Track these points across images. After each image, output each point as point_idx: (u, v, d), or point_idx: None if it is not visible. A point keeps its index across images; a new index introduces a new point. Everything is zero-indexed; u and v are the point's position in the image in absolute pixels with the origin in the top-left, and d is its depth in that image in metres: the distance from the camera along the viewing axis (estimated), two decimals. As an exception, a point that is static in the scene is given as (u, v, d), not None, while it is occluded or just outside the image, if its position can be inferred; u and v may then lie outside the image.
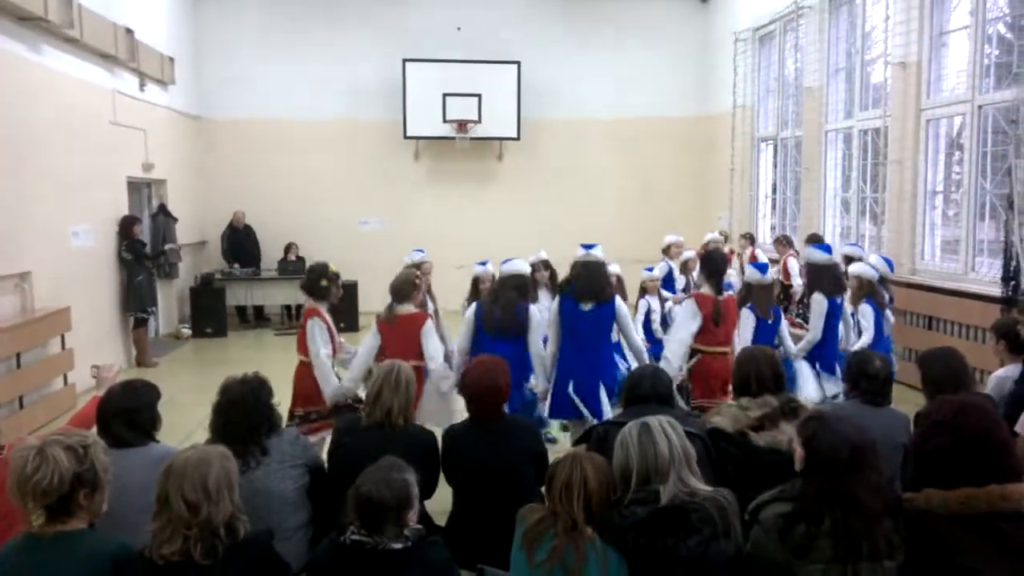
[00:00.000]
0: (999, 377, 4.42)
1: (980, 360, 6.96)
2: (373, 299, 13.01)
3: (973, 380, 3.93)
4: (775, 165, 12.46)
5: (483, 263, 6.92)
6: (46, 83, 8.29)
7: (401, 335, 5.21)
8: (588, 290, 5.14)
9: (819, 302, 5.84)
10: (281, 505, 3.34)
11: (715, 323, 5.37)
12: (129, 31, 10.10)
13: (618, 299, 5.34)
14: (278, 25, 13.88)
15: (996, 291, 7.09)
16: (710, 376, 5.38)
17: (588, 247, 5.42)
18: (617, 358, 5.86)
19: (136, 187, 11.13)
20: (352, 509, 2.60)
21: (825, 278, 5.95)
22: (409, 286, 5.44)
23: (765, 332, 5.65)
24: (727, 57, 13.17)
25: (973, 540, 2.47)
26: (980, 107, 7.69)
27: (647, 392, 3.57)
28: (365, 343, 5.29)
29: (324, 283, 5.33)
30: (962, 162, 8.10)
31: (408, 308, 5.36)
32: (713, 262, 5.62)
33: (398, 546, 2.54)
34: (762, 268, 5.90)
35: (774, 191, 12.59)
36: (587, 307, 5.14)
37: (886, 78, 9.03)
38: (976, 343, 7.32)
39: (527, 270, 5.76)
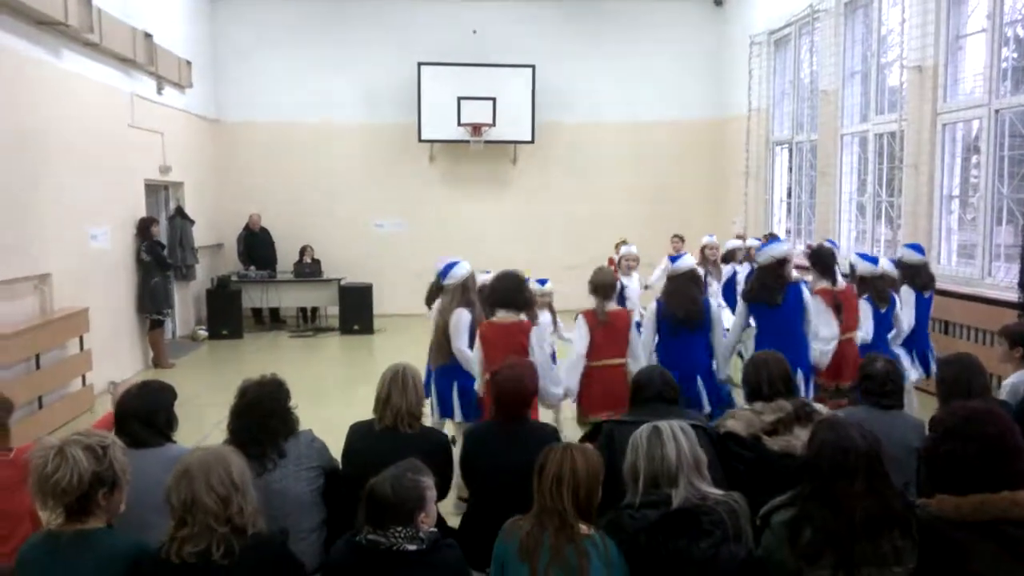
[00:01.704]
0: (1012, 383, 4.39)
1: (997, 366, 6.93)
2: (388, 301, 13.11)
3: (988, 386, 3.91)
4: (790, 169, 12.42)
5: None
6: (65, 87, 8.39)
7: (612, 333, 5.23)
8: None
9: (908, 292, 6.36)
10: (297, 506, 3.37)
11: (838, 312, 5.68)
12: (147, 35, 10.20)
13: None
14: (294, 29, 13.97)
15: (1013, 296, 7.04)
16: (843, 361, 5.70)
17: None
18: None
19: (153, 189, 11.23)
20: (361, 504, 2.63)
21: (918, 276, 6.48)
22: (613, 281, 5.48)
23: (882, 320, 6.03)
24: (742, 60, 13.14)
25: (985, 546, 2.46)
26: (997, 111, 7.64)
27: (654, 393, 3.62)
28: (578, 344, 5.32)
29: (527, 294, 5.37)
30: (979, 166, 8.06)
31: (612, 305, 5.40)
32: (823, 259, 5.95)
33: (412, 548, 2.56)
34: (873, 260, 6.33)
35: (789, 195, 12.55)
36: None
37: (902, 82, 8.99)
38: (992, 348, 7.26)
39: (694, 263, 5.92)
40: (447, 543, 2.68)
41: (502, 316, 5.10)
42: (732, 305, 8.47)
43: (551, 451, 2.78)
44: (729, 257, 9.09)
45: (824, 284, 5.88)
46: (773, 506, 2.73)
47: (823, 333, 5.63)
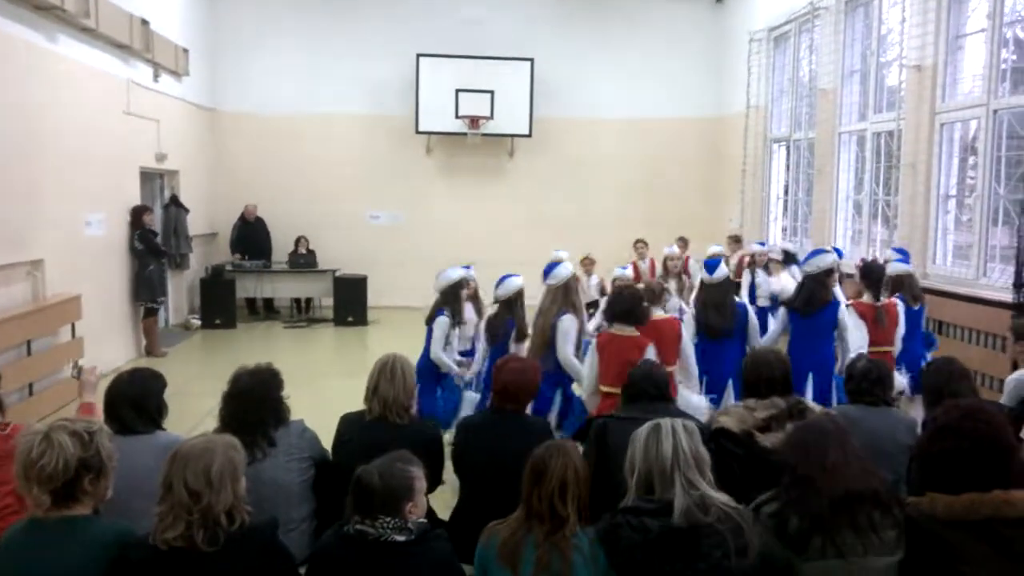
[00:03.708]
0: (1016, 379, 4.39)
1: (991, 366, 6.95)
2: (383, 293, 13.09)
3: (974, 388, 3.91)
4: (787, 166, 12.42)
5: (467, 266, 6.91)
6: (61, 72, 8.34)
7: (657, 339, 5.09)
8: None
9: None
10: (286, 497, 3.36)
11: (877, 326, 5.85)
12: (144, 22, 10.14)
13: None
14: (293, 19, 13.91)
15: (1008, 297, 7.04)
16: None
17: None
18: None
19: (149, 177, 11.19)
20: (349, 494, 2.62)
21: (907, 287, 6.48)
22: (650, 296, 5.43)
23: (913, 317, 6.23)
24: (741, 57, 13.12)
25: (976, 545, 2.46)
26: (995, 111, 7.63)
27: (643, 389, 3.67)
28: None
29: (646, 309, 5.29)
30: (976, 167, 8.05)
31: (659, 312, 5.34)
32: (873, 274, 6.17)
33: (401, 538, 2.55)
34: (905, 256, 6.52)
35: (786, 192, 12.55)
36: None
37: (901, 81, 8.97)
38: (987, 349, 7.28)
39: (728, 273, 5.98)
40: (436, 534, 2.66)
41: (620, 329, 4.98)
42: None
43: (548, 456, 2.72)
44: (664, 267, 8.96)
45: (868, 298, 6.06)
46: (760, 502, 2.74)
47: (853, 343, 5.73)
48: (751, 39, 12.81)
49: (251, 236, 13.22)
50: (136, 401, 3.32)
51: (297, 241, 13.28)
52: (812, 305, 5.74)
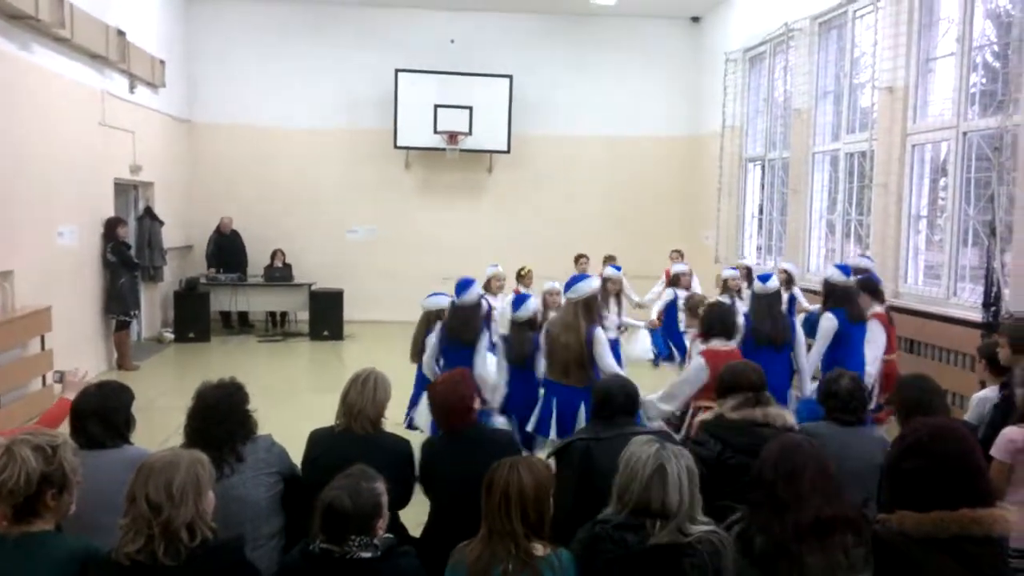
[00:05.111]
0: (980, 398, 4.46)
1: (960, 385, 7.02)
2: (359, 308, 13.03)
3: (946, 405, 3.95)
4: (762, 186, 12.53)
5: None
6: (36, 82, 8.26)
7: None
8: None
9: (830, 320, 6.22)
10: (255, 512, 3.31)
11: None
12: (120, 32, 10.08)
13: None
14: (271, 31, 13.89)
15: (977, 316, 7.13)
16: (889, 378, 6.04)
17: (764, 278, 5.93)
18: None
19: (123, 189, 11.09)
20: (317, 518, 2.57)
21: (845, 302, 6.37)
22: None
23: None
24: (717, 77, 13.26)
25: (943, 563, 2.47)
26: (965, 133, 7.75)
27: (622, 405, 3.69)
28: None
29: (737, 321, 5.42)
30: (947, 187, 8.17)
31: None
32: (871, 283, 6.48)
33: (367, 555, 2.52)
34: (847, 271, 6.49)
35: (761, 211, 12.65)
36: None
37: (873, 102, 9.10)
38: (957, 368, 7.36)
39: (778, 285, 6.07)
40: (403, 551, 2.63)
41: (718, 344, 5.03)
42: (670, 333, 8.58)
43: (497, 469, 2.70)
44: (674, 281, 9.05)
45: (878, 308, 6.30)
46: (731, 521, 2.74)
47: (870, 354, 5.94)
48: (727, 59, 12.95)
49: (227, 249, 13.12)
50: (103, 414, 3.27)
51: (273, 254, 13.20)
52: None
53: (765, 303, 5.82)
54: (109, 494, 2.85)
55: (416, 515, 3.77)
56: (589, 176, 14.57)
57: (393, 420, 4.34)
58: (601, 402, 3.76)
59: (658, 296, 9.37)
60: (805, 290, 9.25)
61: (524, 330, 5.61)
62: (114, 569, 2.40)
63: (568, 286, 5.48)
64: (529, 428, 5.39)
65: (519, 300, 5.80)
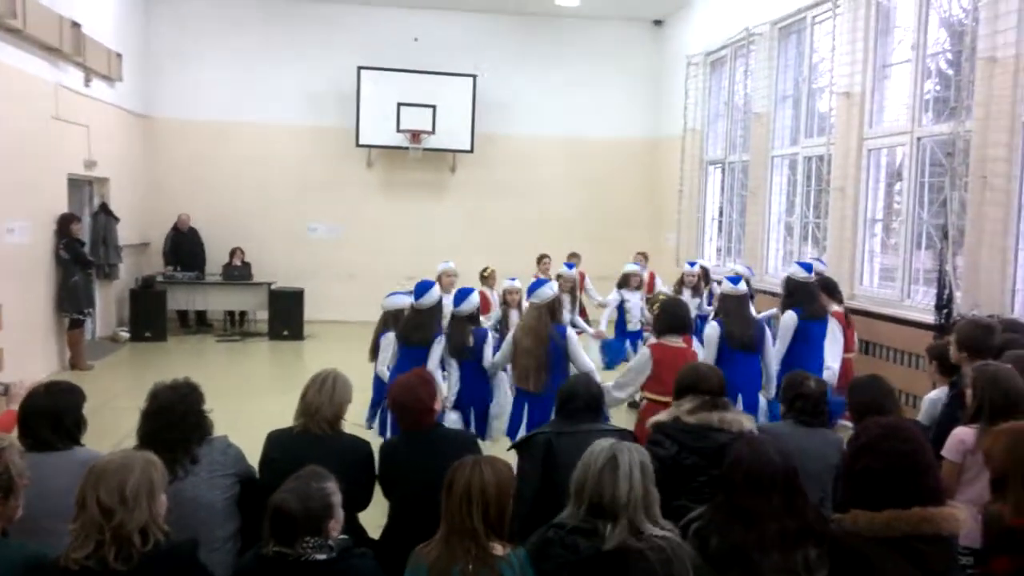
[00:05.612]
0: (930, 399, 4.53)
1: (913, 385, 7.16)
2: (320, 307, 12.91)
3: (898, 405, 4.01)
4: (723, 188, 12.67)
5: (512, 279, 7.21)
6: (-15, 74, 8.06)
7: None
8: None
9: (791, 318, 6.27)
10: (209, 515, 3.26)
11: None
12: (75, 24, 9.86)
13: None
14: (231, 26, 13.70)
15: (930, 318, 7.29)
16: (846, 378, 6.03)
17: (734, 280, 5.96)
18: None
19: (77, 185, 10.86)
20: (266, 520, 2.54)
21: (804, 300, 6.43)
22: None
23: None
24: (679, 80, 13.38)
25: (896, 561, 2.51)
26: (919, 139, 7.92)
27: (586, 403, 3.72)
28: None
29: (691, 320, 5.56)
30: (902, 192, 8.33)
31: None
32: (829, 283, 6.75)
33: (321, 557, 2.49)
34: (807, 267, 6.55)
35: (721, 213, 12.79)
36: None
37: (831, 107, 9.25)
38: (910, 368, 7.51)
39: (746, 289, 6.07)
40: (359, 552, 2.61)
41: (670, 340, 5.14)
42: (621, 330, 8.73)
43: (458, 467, 2.69)
44: (623, 282, 8.98)
45: (836, 308, 6.43)
46: (690, 518, 2.76)
47: (831, 351, 6.02)
48: (688, 63, 13.07)
49: (184, 246, 12.91)
50: (52, 416, 3.19)
51: (232, 252, 13.01)
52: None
53: (734, 305, 5.84)
54: (58, 498, 2.80)
55: (375, 517, 3.74)
56: (552, 176, 14.60)
57: (353, 420, 4.32)
58: (565, 399, 3.79)
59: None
60: (763, 291, 9.37)
61: (464, 324, 5.77)
62: (62, 575, 2.34)
63: (530, 292, 5.63)
64: (493, 436, 5.59)
65: (461, 294, 5.91)
